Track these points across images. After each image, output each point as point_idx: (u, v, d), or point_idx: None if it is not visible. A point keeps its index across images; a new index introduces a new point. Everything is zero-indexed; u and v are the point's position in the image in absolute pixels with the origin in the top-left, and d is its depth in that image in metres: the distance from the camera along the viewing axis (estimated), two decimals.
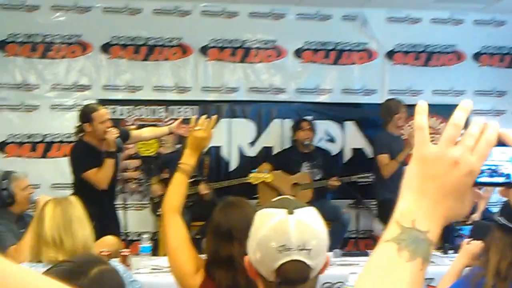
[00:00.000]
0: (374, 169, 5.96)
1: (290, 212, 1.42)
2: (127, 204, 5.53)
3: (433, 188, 0.83)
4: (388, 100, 6.13)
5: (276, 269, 1.40)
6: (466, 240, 2.89)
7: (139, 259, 4.10)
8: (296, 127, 6.21)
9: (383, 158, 5.79)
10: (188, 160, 2.43)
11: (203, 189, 5.57)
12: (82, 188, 4.65)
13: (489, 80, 6.98)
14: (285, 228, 1.40)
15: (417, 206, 0.83)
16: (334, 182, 5.93)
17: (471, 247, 2.81)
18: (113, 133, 4.73)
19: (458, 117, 0.85)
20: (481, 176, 0.84)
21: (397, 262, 0.81)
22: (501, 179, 0.85)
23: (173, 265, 2.29)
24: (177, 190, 2.39)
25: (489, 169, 0.84)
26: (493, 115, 6.99)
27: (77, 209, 2.75)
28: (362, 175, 5.90)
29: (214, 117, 2.58)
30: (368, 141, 6.69)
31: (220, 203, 2.32)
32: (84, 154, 4.80)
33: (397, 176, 5.73)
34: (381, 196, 5.81)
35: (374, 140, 6.14)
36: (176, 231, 2.31)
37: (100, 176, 4.71)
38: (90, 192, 4.56)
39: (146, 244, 4.29)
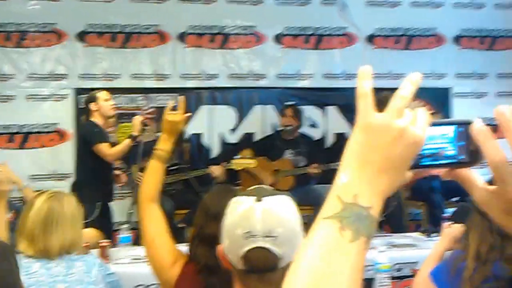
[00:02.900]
0: None
1: (258, 200, 1.42)
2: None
3: (376, 159, 0.77)
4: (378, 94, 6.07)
5: (242, 256, 1.40)
6: (447, 223, 2.87)
7: (118, 250, 4.05)
8: (280, 113, 6.18)
9: None
10: (164, 145, 2.38)
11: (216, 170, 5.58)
12: (86, 170, 5.03)
13: (470, 63, 6.99)
14: (251, 215, 1.40)
15: (360, 178, 0.77)
16: (314, 169, 5.90)
17: (451, 230, 2.80)
18: (138, 118, 5.15)
19: (405, 89, 0.81)
20: (424, 160, 0.80)
21: (340, 242, 0.75)
22: (444, 161, 0.81)
23: (150, 257, 2.24)
24: (152, 178, 2.34)
25: (431, 152, 0.80)
26: (474, 98, 7.02)
27: (68, 209, 2.67)
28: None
29: (181, 98, 2.53)
30: (350, 126, 6.66)
31: (213, 188, 2.31)
32: (97, 128, 5.06)
33: None
34: None
35: None
36: (153, 221, 2.26)
37: (114, 150, 5.04)
38: (95, 173, 4.91)
39: (126, 234, 4.23)
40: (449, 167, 0.82)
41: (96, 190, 4.98)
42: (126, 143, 5.05)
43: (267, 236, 1.39)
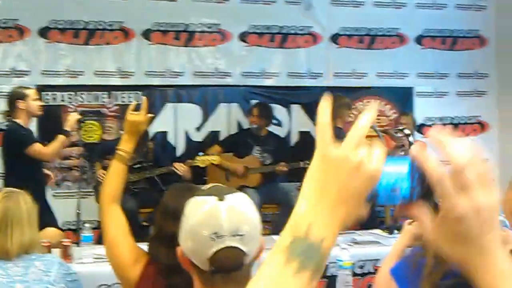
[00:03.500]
0: None
1: (221, 199, 1.40)
2: (71, 193, 5.42)
3: (334, 191, 0.78)
4: (339, 98, 6.11)
5: (209, 257, 1.38)
6: (408, 220, 2.90)
7: (81, 249, 4.01)
8: (247, 113, 6.22)
9: None
10: (125, 146, 2.37)
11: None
12: (18, 174, 4.64)
13: (431, 63, 7.10)
14: (216, 215, 1.38)
15: (315, 210, 0.78)
16: (282, 167, 5.94)
17: (412, 227, 2.82)
18: (75, 115, 4.97)
19: (363, 120, 0.82)
20: (380, 198, 0.81)
21: (284, 275, 0.76)
22: (399, 199, 0.82)
23: (111, 256, 2.24)
24: (114, 180, 2.33)
25: (387, 189, 0.81)
26: (436, 97, 7.14)
27: (25, 208, 2.63)
28: (310, 162, 5.91)
29: (144, 98, 2.52)
30: (315, 124, 6.69)
31: (171, 186, 2.32)
32: (24, 130, 4.84)
33: None
34: None
35: None
36: (114, 221, 2.26)
37: (49, 149, 4.81)
38: (27, 177, 4.50)
39: (88, 233, 4.20)
40: (403, 204, 0.82)
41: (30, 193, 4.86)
42: (60, 139, 4.85)
43: (234, 235, 1.37)
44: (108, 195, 2.29)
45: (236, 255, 1.39)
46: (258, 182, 5.95)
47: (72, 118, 4.97)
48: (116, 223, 2.26)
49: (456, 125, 7.21)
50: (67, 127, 4.92)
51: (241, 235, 1.38)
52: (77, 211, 4.87)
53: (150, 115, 2.47)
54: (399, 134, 6.04)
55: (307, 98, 6.76)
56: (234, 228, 1.37)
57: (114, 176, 2.33)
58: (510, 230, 2.93)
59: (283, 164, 5.94)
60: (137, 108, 2.44)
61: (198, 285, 1.45)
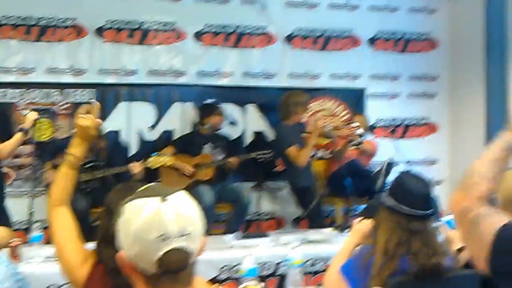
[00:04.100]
0: (285, 163, 6.09)
1: (163, 200, 1.38)
2: (22, 191, 5.34)
3: None
4: (293, 95, 6.14)
5: (157, 260, 1.36)
6: (357, 219, 2.96)
7: (30, 249, 3.95)
8: (208, 112, 6.18)
9: (293, 150, 5.88)
10: (76, 150, 2.35)
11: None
12: None
13: (384, 64, 7.20)
14: (161, 216, 1.36)
15: None
16: (233, 160, 5.97)
17: (361, 226, 2.87)
18: (33, 114, 4.91)
19: None
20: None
21: None
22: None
23: (60, 258, 2.23)
24: (62, 184, 2.31)
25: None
26: (388, 98, 7.24)
27: None
28: (261, 152, 5.97)
29: (96, 104, 2.50)
30: (269, 124, 6.75)
31: (115, 186, 2.27)
32: None
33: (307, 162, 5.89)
34: (297, 185, 5.98)
35: (278, 137, 6.16)
36: (62, 223, 2.25)
37: (6, 145, 4.75)
38: None
39: (37, 233, 4.14)
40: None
41: None
42: (17, 137, 4.83)
43: (181, 236, 1.37)
44: (55, 199, 2.28)
45: (183, 256, 1.39)
46: (210, 176, 5.96)
47: (30, 117, 4.92)
48: (64, 226, 2.25)
49: (407, 126, 7.35)
50: (24, 125, 4.88)
51: (187, 235, 1.38)
52: (30, 210, 4.80)
53: (99, 120, 2.41)
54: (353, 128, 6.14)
55: (261, 98, 6.80)
56: (180, 229, 1.37)
57: (63, 181, 2.31)
58: (456, 230, 3.01)
59: (234, 157, 5.98)
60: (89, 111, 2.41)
61: (143, 286, 1.43)
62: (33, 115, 4.97)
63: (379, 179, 5.53)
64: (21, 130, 4.87)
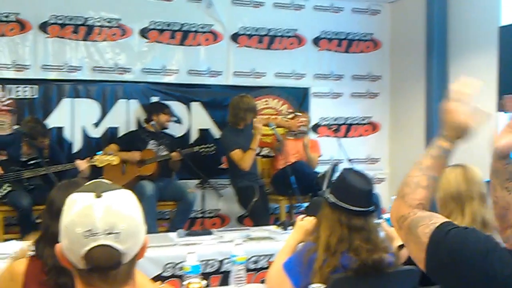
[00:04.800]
0: (229, 164, 6.13)
1: (98, 196, 1.36)
2: None
3: None
4: (244, 102, 6.16)
5: (83, 255, 1.34)
6: (300, 216, 3.00)
7: None
8: (157, 111, 6.16)
9: (237, 154, 5.92)
10: None
11: None
12: None
13: (328, 64, 7.31)
14: (91, 212, 1.34)
15: None
16: (176, 155, 5.97)
17: (304, 223, 2.90)
18: None
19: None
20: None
21: None
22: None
23: None
24: None
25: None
26: (331, 98, 7.36)
27: None
28: (204, 146, 5.99)
29: None
30: (214, 122, 6.78)
31: (58, 184, 2.26)
32: None
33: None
34: (239, 184, 6.02)
35: (222, 140, 6.17)
36: None
37: None
38: None
39: None
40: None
41: None
42: None
43: (109, 233, 1.33)
44: None
45: (110, 254, 1.35)
46: (153, 171, 5.95)
47: None
48: None
49: (349, 125, 7.48)
50: None
51: (116, 233, 1.34)
52: None
53: None
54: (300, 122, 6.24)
55: (207, 96, 6.83)
56: (109, 226, 1.34)
57: None
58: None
59: (178, 151, 5.98)
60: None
61: (78, 283, 1.42)
62: None
63: (324, 182, 5.62)
64: None
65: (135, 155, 5.95)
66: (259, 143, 6.01)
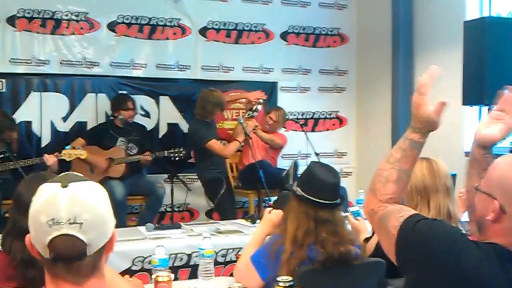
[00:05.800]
0: (197, 155, 6.16)
1: (64, 186, 1.38)
2: None
3: None
4: (212, 96, 6.16)
5: (47, 244, 1.35)
6: (268, 209, 3.03)
7: None
8: (120, 105, 6.13)
9: (215, 143, 5.96)
10: None
11: None
12: None
13: (295, 59, 7.37)
14: (55, 201, 1.35)
15: None
16: (147, 157, 5.97)
17: (271, 216, 2.93)
18: None
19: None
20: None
21: None
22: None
23: None
24: None
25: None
26: (299, 92, 7.43)
27: None
28: (174, 150, 6.00)
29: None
30: (182, 116, 6.80)
31: (26, 177, 2.28)
32: None
33: (216, 156, 5.98)
34: (205, 176, 6.07)
35: (195, 132, 6.14)
36: None
37: None
38: None
39: None
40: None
41: None
42: None
43: (72, 223, 1.34)
44: None
45: (73, 244, 1.35)
46: (122, 173, 5.94)
47: None
48: None
49: (317, 120, 7.57)
50: None
51: (79, 223, 1.34)
52: None
53: None
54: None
55: (175, 90, 6.84)
56: (72, 216, 1.34)
57: None
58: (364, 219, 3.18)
59: (148, 153, 5.98)
60: None
61: (47, 273, 1.43)
62: None
63: (289, 180, 5.69)
64: None
65: (103, 164, 5.89)
66: (227, 137, 6.04)
